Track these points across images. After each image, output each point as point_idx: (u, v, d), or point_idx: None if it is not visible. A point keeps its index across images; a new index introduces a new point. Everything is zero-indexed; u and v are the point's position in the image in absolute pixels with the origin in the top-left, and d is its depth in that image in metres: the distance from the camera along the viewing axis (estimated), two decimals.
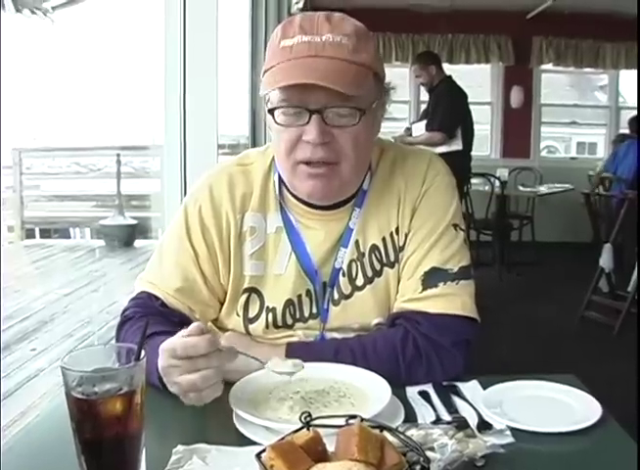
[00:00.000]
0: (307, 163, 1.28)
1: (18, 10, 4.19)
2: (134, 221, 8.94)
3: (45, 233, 9.66)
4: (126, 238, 8.68)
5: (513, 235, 7.26)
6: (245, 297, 1.40)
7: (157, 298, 1.37)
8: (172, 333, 1.23)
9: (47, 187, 10.28)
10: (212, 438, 1.04)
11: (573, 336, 4.72)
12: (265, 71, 1.28)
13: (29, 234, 9.42)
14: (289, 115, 1.26)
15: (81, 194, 10.12)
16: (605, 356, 4.04)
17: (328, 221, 1.38)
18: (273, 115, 1.27)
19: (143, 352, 0.90)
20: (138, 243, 8.63)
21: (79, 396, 0.85)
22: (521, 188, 7.21)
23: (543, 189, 7.25)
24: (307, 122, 1.24)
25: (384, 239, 1.38)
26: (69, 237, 9.87)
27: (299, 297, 1.39)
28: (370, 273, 1.38)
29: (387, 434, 0.88)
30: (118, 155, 9.26)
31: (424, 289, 1.33)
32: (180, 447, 1.01)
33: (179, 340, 1.08)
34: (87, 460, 0.87)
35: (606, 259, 5.02)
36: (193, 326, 1.10)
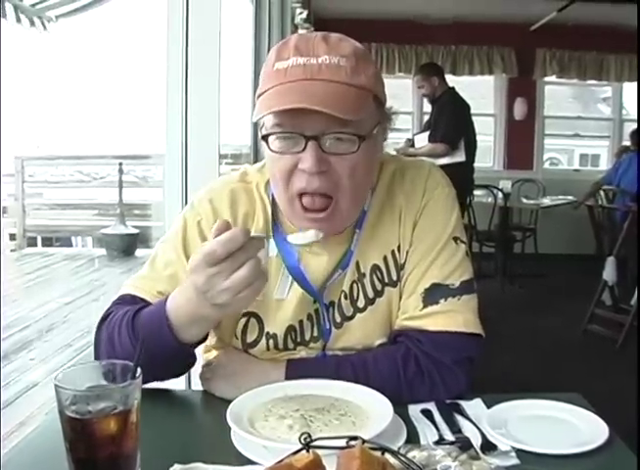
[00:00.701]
0: (303, 194, 1.22)
1: (18, 19, 4.18)
2: (135, 230, 8.94)
3: (47, 241, 9.68)
4: (127, 247, 8.68)
5: (516, 247, 7.24)
6: (243, 321, 1.35)
7: (142, 299, 1.30)
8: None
9: (49, 195, 10.30)
10: (210, 457, 1.01)
11: (576, 349, 4.69)
12: (259, 96, 1.22)
13: (31, 242, 9.44)
14: (284, 141, 1.20)
15: (83, 202, 10.14)
16: (608, 371, 4.01)
17: (330, 245, 1.33)
18: (267, 141, 1.21)
19: (139, 371, 0.88)
20: (139, 252, 8.63)
21: (73, 415, 0.83)
22: (524, 200, 7.21)
23: (546, 201, 7.25)
24: (303, 149, 1.18)
25: (385, 258, 1.35)
26: (71, 245, 9.88)
27: (301, 322, 1.35)
28: (371, 294, 1.35)
29: (388, 456, 0.85)
30: (121, 164, 9.28)
31: (424, 306, 1.30)
32: (177, 467, 0.98)
33: (214, 241, 1.03)
34: None
35: (609, 272, 5.00)
36: (219, 223, 1.05)
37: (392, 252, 1.35)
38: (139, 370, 0.88)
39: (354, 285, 1.35)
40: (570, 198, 7.26)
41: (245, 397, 1.15)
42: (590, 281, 5.20)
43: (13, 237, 9.27)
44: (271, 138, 1.21)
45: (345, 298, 1.35)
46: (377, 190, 1.36)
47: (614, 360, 4.38)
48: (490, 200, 6.74)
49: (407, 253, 1.34)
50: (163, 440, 1.12)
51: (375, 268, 1.35)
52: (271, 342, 1.34)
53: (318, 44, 1.20)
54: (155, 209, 8.77)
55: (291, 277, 1.34)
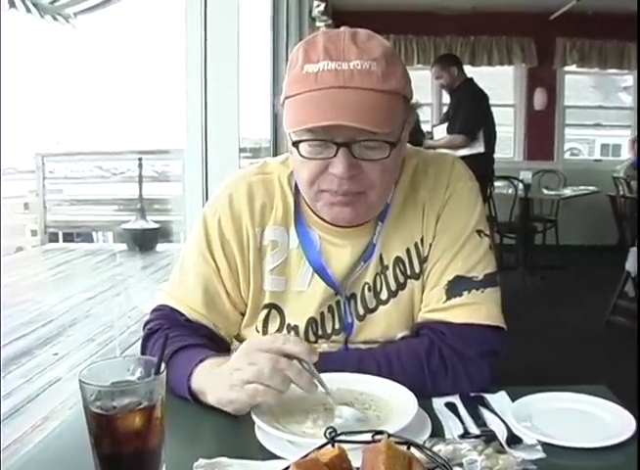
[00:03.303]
0: (333, 193, 1.23)
1: (41, 16, 4.21)
2: (156, 225, 8.97)
3: (68, 237, 9.74)
4: (148, 242, 8.71)
5: (537, 238, 7.19)
6: (264, 313, 1.36)
7: (181, 313, 1.34)
8: (201, 346, 1.21)
9: (70, 191, 10.36)
10: (234, 451, 1.01)
11: (599, 341, 4.65)
12: (287, 98, 1.21)
13: (53, 238, 9.50)
14: (314, 146, 1.19)
15: (104, 198, 10.18)
16: (632, 363, 3.96)
17: (352, 237, 1.34)
18: (297, 147, 1.20)
19: (163, 366, 0.88)
20: (160, 247, 8.66)
21: (98, 410, 0.83)
22: (545, 191, 7.15)
23: (567, 192, 7.18)
24: (334, 155, 1.17)
25: (408, 250, 1.34)
26: (92, 241, 9.93)
27: (322, 314, 1.35)
28: (394, 286, 1.34)
29: (414, 450, 0.85)
30: (140, 159, 9.31)
31: (448, 298, 1.30)
32: (201, 462, 0.98)
33: (293, 342, 1.08)
34: None
35: (632, 263, 4.93)
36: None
37: (415, 244, 1.34)
38: (163, 366, 0.88)
39: (377, 277, 1.34)
40: (591, 188, 7.19)
41: None
42: (612, 272, 5.15)
43: (34, 233, 9.34)
44: (301, 144, 1.20)
45: (369, 290, 1.34)
46: (400, 183, 1.35)
47: (636, 352, 4.33)
48: (511, 191, 6.68)
49: (430, 246, 1.33)
50: (189, 435, 1.12)
51: (398, 261, 1.34)
52: (292, 334, 1.34)
53: (348, 46, 1.18)
54: (174, 203, 8.78)
55: (312, 269, 1.34)
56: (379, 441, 0.81)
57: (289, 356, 1.07)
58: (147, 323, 1.38)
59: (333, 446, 0.84)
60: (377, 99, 1.16)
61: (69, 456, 1.03)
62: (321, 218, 1.32)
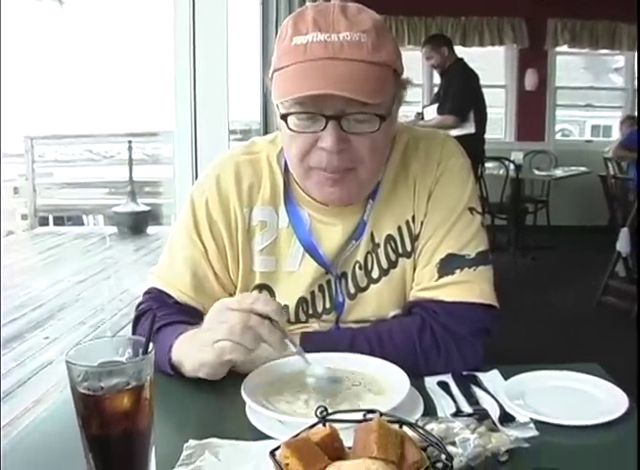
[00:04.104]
0: (322, 169, 1.21)
1: None
2: (147, 208, 8.94)
3: (59, 221, 9.69)
4: (139, 225, 8.68)
5: (528, 219, 7.20)
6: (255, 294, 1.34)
7: (169, 295, 1.34)
8: (186, 323, 1.21)
9: (60, 175, 10.30)
10: (225, 432, 1.00)
11: (590, 321, 4.66)
12: (276, 71, 1.20)
13: (43, 222, 9.46)
14: (303, 120, 1.18)
15: (94, 181, 10.13)
16: (623, 342, 3.97)
17: (343, 215, 1.32)
18: (286, 120, 1.19)
19: (151, 346, 0.86)
20: (151, 230, 8.63)
21: (85, 391, 0.81)
22: (536, 172, 7.14)
23: (558, 172, 7.18)
24: (323, 129, 1.16)
25: (399, 228, 1.33)
26: (83, 224, 9.89)
27: (312, 293, 1.34)
28: (385, 265, 1.33)
29: (406, 429, 0.84)
30: (130, 141, 9.25)
31: (440, 276, 1.29)
32: (192, 442, 0.97)
33: (261, 299, 1.08)
34: (95, 457, 0.84)
35: (623, 244, 4.95)
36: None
37: (407, 222, 1.33)
38: (151, 345, 0.86)
39: (369, 256, 1.33)
40: (582, 169, 7.20)
41: (259, 371, 1.13)
42: (603, 252, 5.16)
43: (24, 217, 9.29)
44: (290, 117, 1.18)
45: (360, 268, 1.33)
46: (391, 160, 1.34)
47: (629, 332, 4.35)
48: (502, 172, 6.68)
49: (422, 223, 1.32)
50: (178, 416, 1.11)
51: (389, 239, 1.33)
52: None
53: (337, 18, 1.16)
54: (165, 186, 8.75)
55: (302, 248, 1.32)
56: (371, 420, 0.80)
57: (259, 316, 1.06)
58: (138, 305, 1.38)
59: (324, 425, 0.83)
60: (367, 70, 1.15)
61: (58, 439, 1.02)
62: (311, 197, 1.31)
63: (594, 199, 7.05)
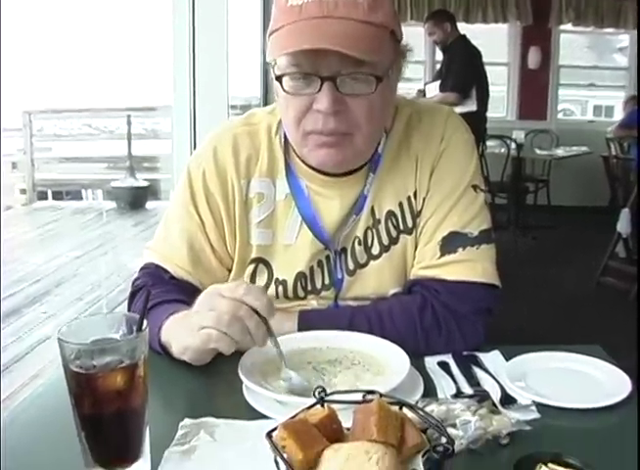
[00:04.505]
0: (318, 133, 1.19)
1: None
2: (145, 183, 8.90)
3: (57, 195, 9.65)
4: (138, 200, 8.64)
5: (528, 198, 7.17)
6: (251, 268, 1.33)
7: (166, 271, 1.31)
8: (180, 301, 1.19)
9: (58, 149, 10.24)
10: (221, 411, 0.99)
11: (590, 302, 4.65)
12: (272, 33, 1.17)
13: (42, 196, 9.42)
14: (298, 81, 1.15)
15: (93, 156, 10.07)
16: (623, 323, 3.96)
17: (341, 188, 1.30)
18: (281, 81, 1.17)
19: (145, 323, 0.84)
20: (150, 205, 8.60)
21: (77, 369, 0.79)
22: (537, 151, 7.10)
23: (560, 152, 7.14)
24: (319, 90, 1.13)
25: (400, 204, 1.31)
26: (82, 199, 9.85)
27: (311, 269, 1.32)
28: (386, 241, 1.31)
29: (406, 410, 0.82)
30: (129, 116, 9.19)
31: (442, 255, 1.26)
32: (187, 421, 0.96)
33: (254, 292, 1.05)
34: (87, 437, 0.82)
35: (623, 224, 4.93)
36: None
37: (408, 198, 1.30)
38: (145, 322, 0.84)
39: (369, 231, 1.31)
40: (583, 149, 7.16)
41: (257, 349, 1.11)
42: (603, 233, 5.14)
43: (23, 192, 9.25)
44: (285, 78, 1.16)
45: (359, 244, 1.31)
46: (392, 133, 1.31)
47: (628, 313, 4.34)
48: (503, 150, 6.64)
49: (424, 200, 1.29)
50: (173, 394, 1.10)
51: (390, 214, 1.31)
52: (280, 288, 1.32)
53: None
54: (164, 161, 8.70)
55: (300, 218, 1.30)
56: (370, 401, 0.79)
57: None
58: (134, 281, 1.36)
59: (322, 406, 0.81)
60: (362, 29, 1.12)
61: (54, 414, 0.99)
62: (310, 167, 1.29)
63: (595, 179, 7.03)
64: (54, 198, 9.58)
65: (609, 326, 3.82)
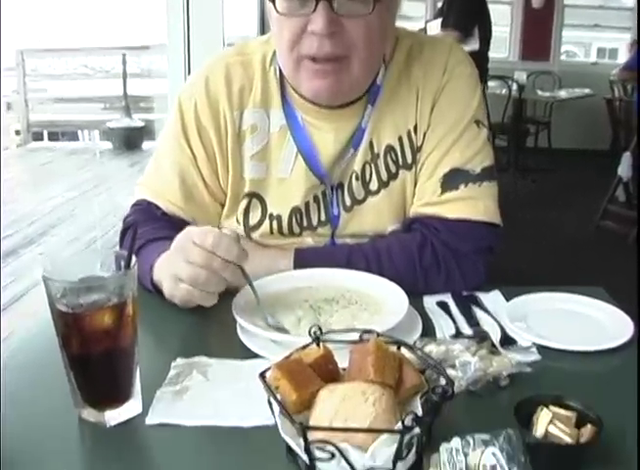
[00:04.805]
0: (313, 58, 1.13)
1: None
2: (141, 123, 8.79)
3: (53, 136, 9.55)
4: (134, 140, 8.55)
5: (529, 141, 7.12)
6: (245, 202, 1.29)
7: (158, 207, 1.28)
8: (171, 239, 1.15)
9: (53, 89, 10.09)
10: (214, 350, 0.97)
11: (589, 245, 4.65)
12: None
13: (37, 137, 9.31)
14: (292, 1, 1.10)
15: (89, 96, 9.92)
16: (622, 266, 3.96)
17: (337, 121, 1.25)
18: (274, 1, 1.11)
19: (134, 260, 0.81)
20: (146, 145, 8.51)
21: (64, 308, 0.77)
22: (539, 92, 7.01)
23: (562, 94, 7.05)
24: (313, 10, 1.08)
25: (400, 138, 1.26)
26: (78, 140, 9.76)
27: (307, 204, 1.28)
28: (385, 176, 1.27)
29: (404, 351, 0.80)
30: (124, 55, 9.03)
31: (443, 191, 1.22)
32: (179, 361, 0.94)
33: (225, 241, 1.02)
34: (76, 377, 0.80)
35: (624, 168, 4.89)
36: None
37: (408, 132, 1.26)
38: (134, 259, 0.81)
39: (367, 166, 1.27)
40: (586, 91, 7.06)
41: (249, 289, 1.08)
42: (603, 177, 5.11)
43: (19, 133, 9.14)
44: None
45: (357, 179, 1.27)
46: (392, 64, 1.26)
47: (627, 256, 4.33)
48: (504, 91, 6.54)
49: (425, 134, 1.25)
50: (166, 334, 1.08)
51: (389, 149, 1.26)
52: (275, 224, 1.28)
53: None
54: (159, 100, 8.58)
55: (296, 150, 1.26)
56: (367, 340, 0.76)
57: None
58: (125, 218, 1.33)
59: (318, 345, 0.79)
60: None
61: (49, 355, 0.96)
62: (305, 98, 1.24)
63: (597, 122, 6.94)
64: (50, 139, 9.48)
65: (609, 269, 3.81)
